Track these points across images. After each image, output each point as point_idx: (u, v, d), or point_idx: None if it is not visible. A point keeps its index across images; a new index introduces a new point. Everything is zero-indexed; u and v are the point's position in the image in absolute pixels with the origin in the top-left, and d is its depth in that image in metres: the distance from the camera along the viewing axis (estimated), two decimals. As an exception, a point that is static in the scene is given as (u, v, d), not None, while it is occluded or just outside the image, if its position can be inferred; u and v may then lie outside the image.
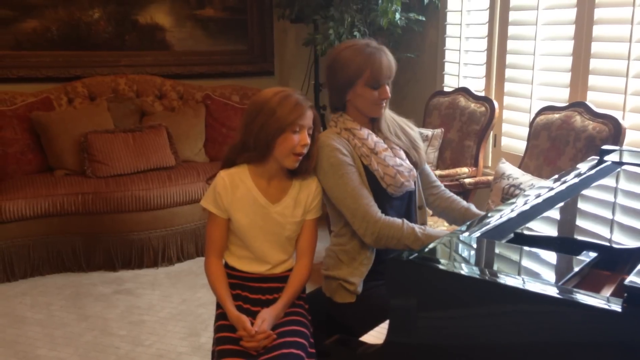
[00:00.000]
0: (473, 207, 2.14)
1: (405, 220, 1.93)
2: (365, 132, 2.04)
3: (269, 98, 1.89)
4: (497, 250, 1.38)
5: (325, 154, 1.98)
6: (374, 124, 2.10)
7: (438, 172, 3.33)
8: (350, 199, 1.93)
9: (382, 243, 1.92)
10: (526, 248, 1.35)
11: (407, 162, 2.07)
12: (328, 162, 1.97)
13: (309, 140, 1.90)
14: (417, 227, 1.91)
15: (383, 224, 1.91)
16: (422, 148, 2.15)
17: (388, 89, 2.02)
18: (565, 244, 1.37)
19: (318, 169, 2.00)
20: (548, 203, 1.64)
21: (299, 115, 1.87)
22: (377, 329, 1.59)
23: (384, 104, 2.03)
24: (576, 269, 1.24)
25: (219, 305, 1.98)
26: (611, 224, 1.55)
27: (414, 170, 2.08)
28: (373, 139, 2.04)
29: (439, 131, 3.62)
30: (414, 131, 2.16)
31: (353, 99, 2.02)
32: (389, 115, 2.11)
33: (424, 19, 4.00)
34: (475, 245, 1.39)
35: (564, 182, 1.81)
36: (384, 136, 2.09)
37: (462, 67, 3.90)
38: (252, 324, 1.84)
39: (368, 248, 2.01)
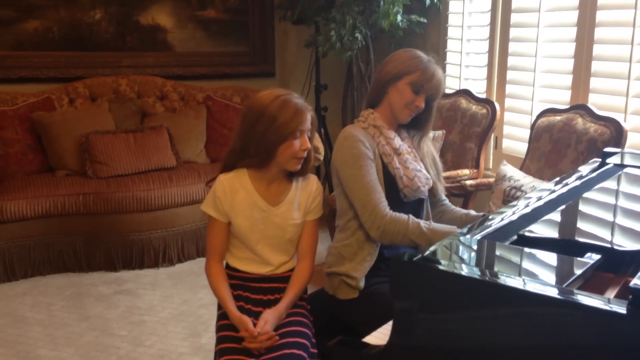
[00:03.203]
0: (472, 212, 2.19)
1: (411, 216, 1.96)
2: (392, 133, 2.08)
3: (268, 104, 1.87)
4: (499, 252, 1.38)
5: (349, 144, 2.01)
6: (416, 138, 2.15)
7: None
8: (363, 190, 1.96)
9: (388, 238, 1.95)
10: (529, 250, 1.35)
11: (425, 171, 2.11)
12: (350, 152, 1.99)
13: (309, 144, 1.90)
14: (422, 222, 1.94)
15: (390, 219, 1.94)
16: (443, 182, 2.22)
17: (432, 110, 2.10)
18: (569, 246, 1.37)
19: (338, 157, 2.03)
20: (550, 205, 1.64)
21: (300, 122, 1.87)
22: (380, 329, 1.59)
23: (414, 113, 2.06)
24: (580, 271, 1.24)
25: (220, 305, 1.99)
26: (614, 226, 1.55)
27: (430, 180, 2.12)
28: (398, 141, 2.09)
29: (440, 133, 3.62)
30: (441, 166, 2.24)
31: (391, 93, 2.05)
32: (431, 146, 2.20)
33: (425, 21, 4.00)
34: (476, 247, 1.40)
35: (566, 184, 1.81)
36: (410, 145, 2.14)
37: (464, 69, 3.90)
38: (254, 324, 1.84)
39: (371, 244, 2.03)
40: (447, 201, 2.25)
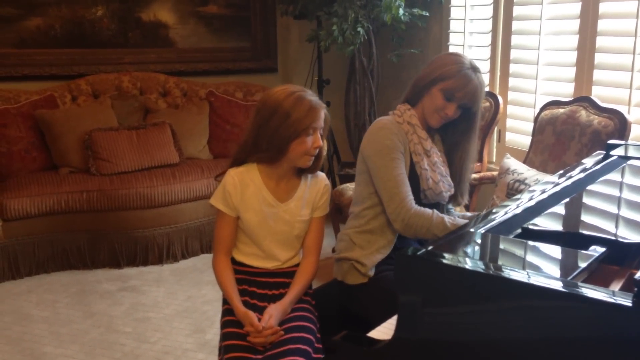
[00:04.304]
0: (468, 214, 2.23)
1: (436, 211, 1.98)
2: (425, 133, 2.08)
3: (282, 100, 1.87)
4: (503, 246, 1.37)
5: (383, 135, 2.02)
6: (454, 148, 2.14)
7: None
8: (393, 182, 1.98)
9: (411, 231, 1.97)
10: (533, 243, 1.34)
11: (450, 178, 2.12)
12: (384, 143, 2.01)
13: (321, 142, 1.90)
14: (446, 218, 1.96)
15: (414, 213, 1.96)
16: (466, 195, 2.24)
17: (472, 119, 2.07)
18: (573, 239, 1.36)
19: (370, 146, 2.04)
20: (554, 198, 1.64)
21: (314, 119, 1.87)
22: (384, 324, 1.59)
23: (444, 120, 2.05)
24: (584, 264, 1.23)
25: (225, 301, 1.99)
26: (618, 219, 1.54)
27: (453, 188, 2.13)
28: (430, 142, 2.09)
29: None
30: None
31: (426, 96, 2.04)
32: (470, 161, 2.18)
33: (427, 14, 3.99)
34: (480, 241, 1.39)
35: (570, 177, 1.81)
36: (440, 149, 2.15)
37: (466, 62, 3.88)
38: (259, 319, 1.84)
39: (388, 237, 2.05)
40: (452, 209, 2.27)
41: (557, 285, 1.11)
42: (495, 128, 3.51)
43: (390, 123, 2.05)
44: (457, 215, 2.19)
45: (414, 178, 2.04)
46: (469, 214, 2.23)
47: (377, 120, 2.09)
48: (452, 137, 2.14)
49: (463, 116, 2.06)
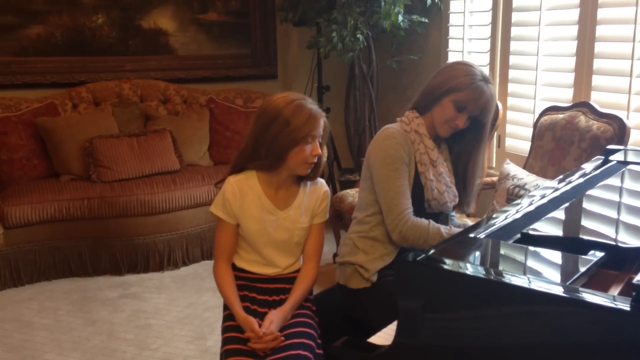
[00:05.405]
0: (469, 222, 2.25)
1: (432, 221, 1.99)
2: (432, 143, 2.07)
3: (282, 107, 1.88)
4: (503, 251, 1.38)
5: (389, 144, 2.01)
6: (463, 157, 2.13)
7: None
8: (394, 193, 1.98)
9: (408, 243, 1.98)
10: (533, 248, 1.35)
11: (455, 188, 2.12)
12: (388, 152, 2.00)
13: (320, 150, 1.91)
14: (442, 228, 1.97)
15: (411, 225, 1.97)
16: (472, 204, 2.23)
17: (482, 130, 2.06)
18: (572, 244, 1.37)
19: (375, 154, 2.04)
20: (554, 203, 1.64)
21: (313, 127, 1.87)
22: (385, 330, 1.59)
23: (453, 130, 2.05)
24: (583, 269, 1.24)
25: (226, 307, 2.00)
26: (617, 223, 1.55)
27: (457, 197, 2.12)
28: (436, 152, 2.08)
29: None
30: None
31: (437, 108, 2.03)
32: (478, 172, 2.18)
33: (426, 20, 4.01)
34: (481, 246, 1.40)
35: (569, 182, 1.81)
36: (447, 157, 2.15)
37: (466, 68, 3.89)
38: (260, 325, 1.85)
39: (391, 245, 2.06)
40: (454, 217, 2.28)
41: (557, 290, 1.12)
42: (495, 133, 3.52)
43: (397, 132, 2.04)
44: (458, 224, 2.20)
45: (419, 188, 2.04)
46: (470, 222, 2.23)
47: (384, 128, 2.08)
48: (459, 146, 2.13)
49: (471, 126, 2.05)
